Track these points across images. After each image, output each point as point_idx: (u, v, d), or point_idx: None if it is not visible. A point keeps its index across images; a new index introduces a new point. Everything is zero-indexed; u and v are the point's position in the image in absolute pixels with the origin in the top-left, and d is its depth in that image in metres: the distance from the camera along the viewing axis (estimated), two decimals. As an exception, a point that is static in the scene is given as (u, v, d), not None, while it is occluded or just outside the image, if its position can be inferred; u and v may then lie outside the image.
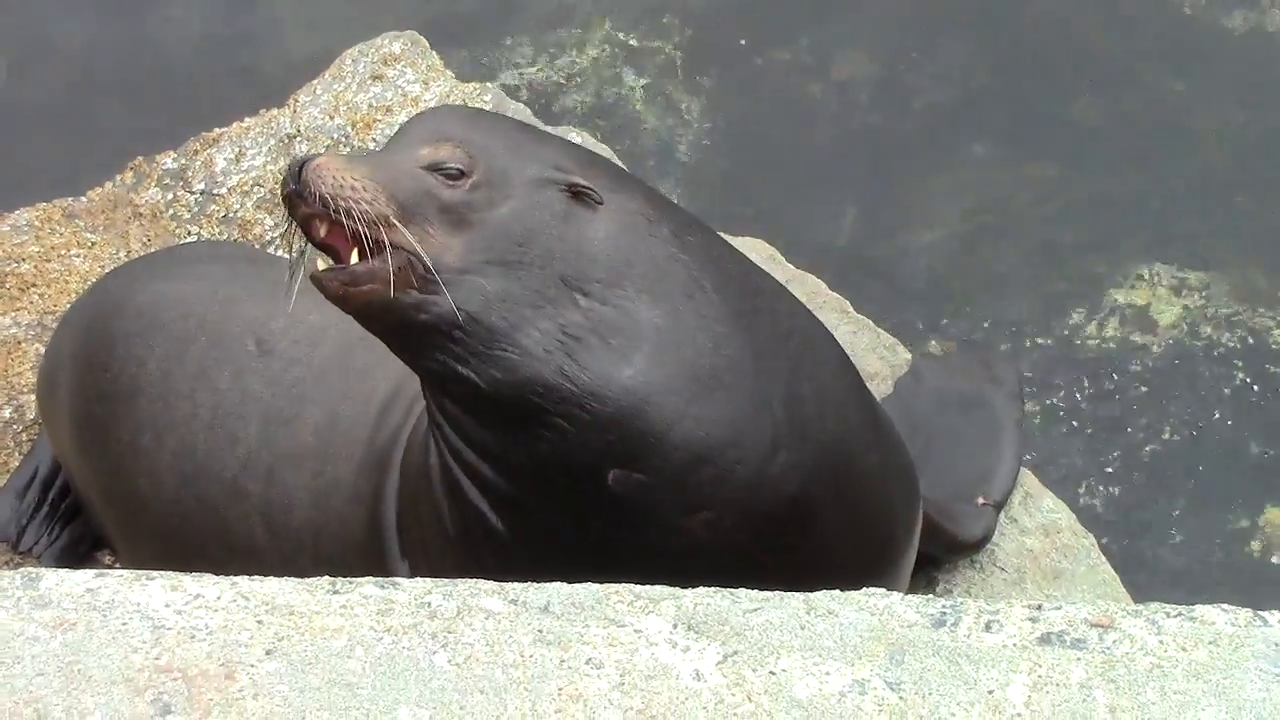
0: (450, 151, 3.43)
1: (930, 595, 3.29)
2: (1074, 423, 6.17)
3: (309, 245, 3.42)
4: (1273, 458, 6.06)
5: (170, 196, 5.61)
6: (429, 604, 2.94)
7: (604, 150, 5.45)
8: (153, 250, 5.34)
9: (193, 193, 5.60)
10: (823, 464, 3.55)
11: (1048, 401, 6.22)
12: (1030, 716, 2.77)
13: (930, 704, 2.78)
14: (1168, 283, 6.50)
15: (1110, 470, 6.05)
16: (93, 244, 5.47)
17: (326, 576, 3.01)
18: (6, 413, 5.07)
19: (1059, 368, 6.31)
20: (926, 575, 4.47)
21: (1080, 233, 6.70)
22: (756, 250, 5.19)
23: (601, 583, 3.01)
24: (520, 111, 5.62)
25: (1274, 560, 5.89)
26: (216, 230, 5.48)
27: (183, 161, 5.69)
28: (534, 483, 3.46)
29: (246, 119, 5.79)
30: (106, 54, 7.35)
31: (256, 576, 3.01)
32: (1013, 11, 7.30)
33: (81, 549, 4.89)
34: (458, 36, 7.19)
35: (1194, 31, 7.23)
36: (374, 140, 5.54)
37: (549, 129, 5.43)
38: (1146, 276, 6.52)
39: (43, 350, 5.04)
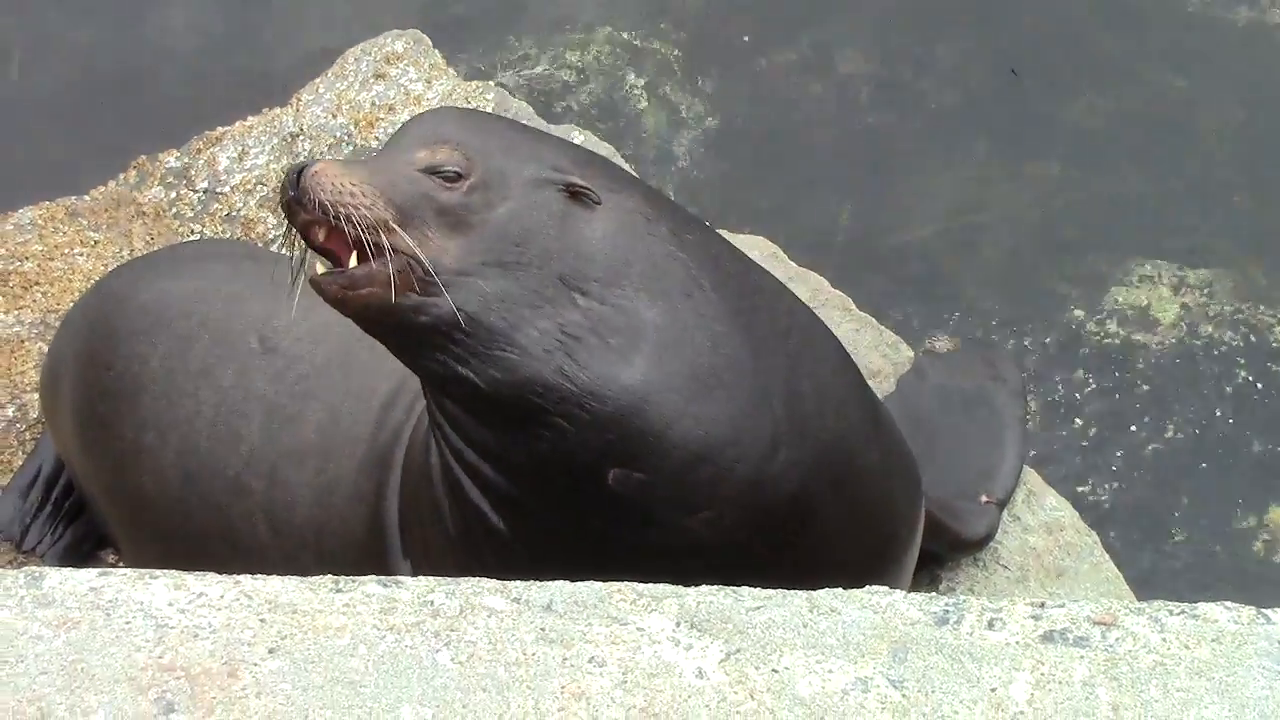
0: (447, 154, 3.43)
1: (933, 593, 3.29)
2: (1076, 421, 6.17)
3: (308, 249, 3.42)
4: (1276, 456, 6.06)
5: (173, 195, 5.61)
6: (432, 602, 2.94)
7: (606, 149, 5.45)
8: (156, 249, 5.35)
9: (196, 191, 5.61)
10: (823, 461, 3.55)
11: (1050, 399, 6.21)
12: (1033, 714, 2.77)
13: (933, 702, 2.78)
14: (1169, 281, 6.49)
15: (1113, 468, 6.05)
16: (96, 242, 5.48)
17: (329, 575, 3.02)
18: (10, 411, 5.08)
19: (1061, 365, 6.31)
20: (929, 573, 4.47)
21: (1082, 231, 6.70)
22: (759, 248, 5.19)
23: (603, 581, 3.01)
24: (522, 110, 5.62)
25: (1277, 559, 5.89)
26: (219, 229, 5.49)
27: (186, 160, 5.70)
28: (534, 482, 3.46)
29: (249, 118, 5.80)
30: (109, 53, 7.35)
31: (259, 575, 3.01)
32: (1013, 10, 7.29)
33: (85, 548, 4.89)
34: (460, 35, 7.19)
35: (1195, 29, 7.23)
36: (376, 139, 5.54)
37: (551, 128, 5.45)
38: (1149, 275, 6.52)
39: (46, 349, 5.04)
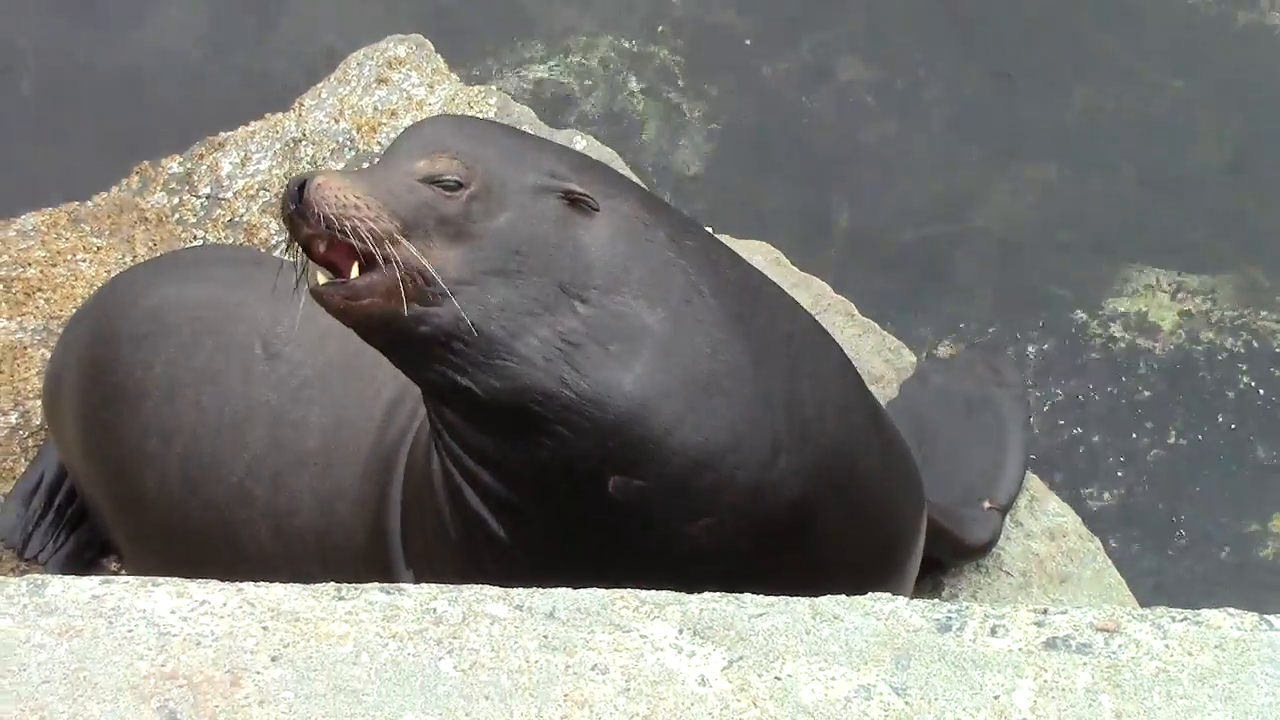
0: (447, 163, 3.43)
1: (936, 600, 3.28)
2: (1079, 427, 6.17)
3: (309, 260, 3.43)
4: (1278, 462, 6.06)
5: (176, 201, 5.62)
6: (434, 610, 2.94)
7: (608, 154, 5.45)
8: (158, 254, 5.35)
9: (198, 197, 5.61)
10: (824, 467, 3.55)
11: (1053, 405, 6.21)
12: (1036, 722, 2.77)
13: (936, 709, 2.78)
14: (1172, 286, 6.50)
15: (1117, 474, 6.05)
16: (98, 248, 5.48)
17: (332, 583, 3.01)
18: (13, 418, 5.08)
19: (1064, 371, 6.31)
20: (932, 579, 4.47)
21: (1084, 235, 6.70)
22: (761, 254, 5.19)
23: (604, 588, 3.01)
24: (524, 115, 5.62)
25: (1281, 565, 5.90)
26: (222, 234, 5.49)
27: (188, 166, 5.70)
28: (534, 489, 3.46)
29: (252, 123, 5.80)
30: (111, 59, 7.35)
31: (262, 583, 3.01)
32: (1012, 14, 7.29)
33: (87, 555, 4.89)
34: (463, 40, 7.19)
35: (1193, 31, 7.22)
36: (379, 144, 5.54)
37: (553, 133, 5.45)
38: (1151, 280, 6.52)
39: (49, 355, 5.04)
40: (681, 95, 7.16)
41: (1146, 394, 6.23)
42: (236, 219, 5.52)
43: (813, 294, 5.07)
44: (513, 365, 3.35)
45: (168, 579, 3.00)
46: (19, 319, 5.26)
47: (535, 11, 7.46)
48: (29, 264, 5.42)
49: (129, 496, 4.50)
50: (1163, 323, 6.38)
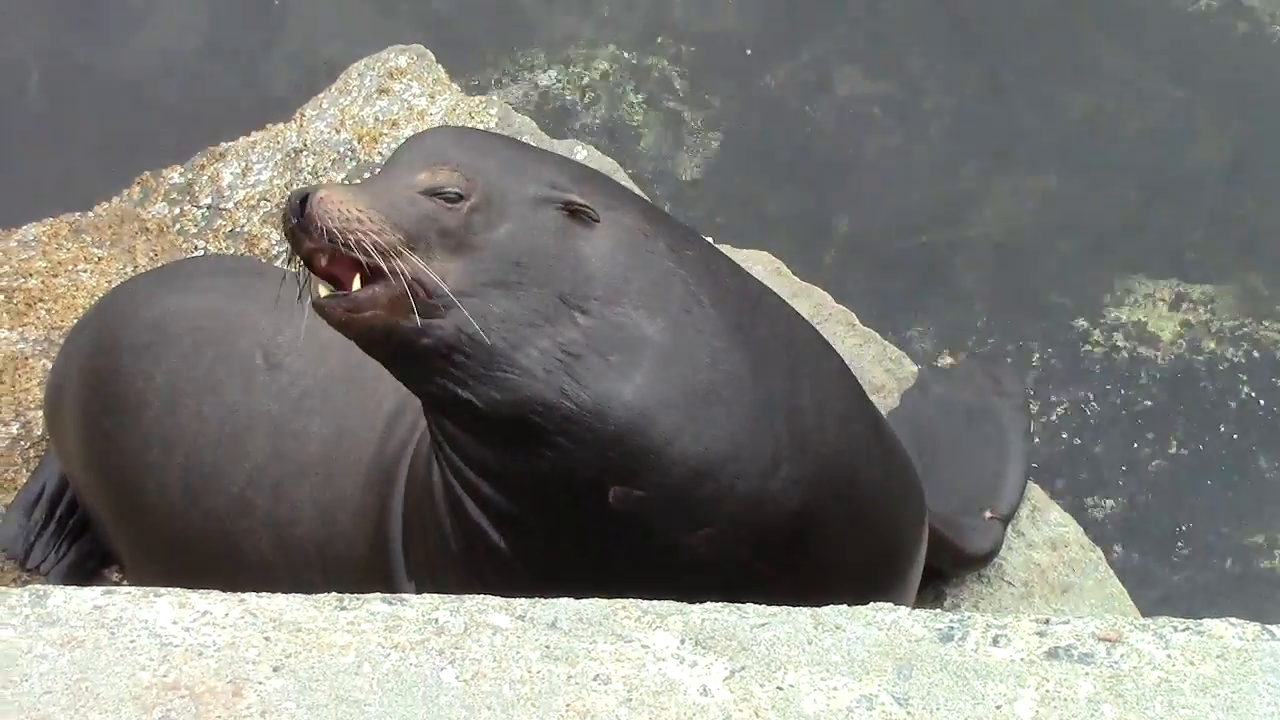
0: (448, 175, 3.43)
1: (937, 610, 3.29)
2: (1080, 437, 6.17)
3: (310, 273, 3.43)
4: (1280, 472, 6.07)
5: (177, 211, 5.62)
6: (436, 620, 2.94)
7: (609, 164, 5.45)
8: (160, 265, 5.35)
9: (199, 207, 5.61)
10: (825, 477, 3.55)
11: (1054, 415, 6.21)
12: (1038, 732, 2.77)
13: (938, 719, 2.78)
14: (1172, 296, 6.50)
15: (1119, 483, 6.05)
16: (100, 259, 5.48)
17: (334, 593, 3.02)
18: (14, 429, 5.08)
19: (1065, 380, 6.31)
20: (934, 589, 4.47)
21: (1085, 245, 6.70)
22: (762, 263, 5.19)
23: (605, 598, 3.01)
24: (525, 125, 5.62)
25: (1283, 576, 5.90)
26: (223, 245, 5.49)
27: (189, 176, 5.70)
28: (534, 500, 3.46)
29: (253, 133, 5.80)
30: (112, 69, 7.36)
31: (264, 593, 3.01)
32: (1012, 23, 7.30)
33: (89, 565, 4.89)
34: (464, 50, 7.20)
35: (1193, 37, 7.23)
36: (380, 154, 5.54)
37: (553, 143, 5.45)
38: (1152, 289, 6.52)
39: (50, 366, 5.04)
40: (682, 105, 7.17)
41: (1148, 404, 6.23)
42: (237, 229, 5.52)
43: (813, 303, 5.07)
44: (513, 377, 3.36)
45: (169, 589, 3.00)
46: (20, 329, 5.27)
47: (536, 21, 7.46)
48: (30, 274, 5.42)
49: (130, 507, 4.50)
50: (1163, 332, 6.38)
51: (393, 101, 5.71)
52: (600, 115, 7.14)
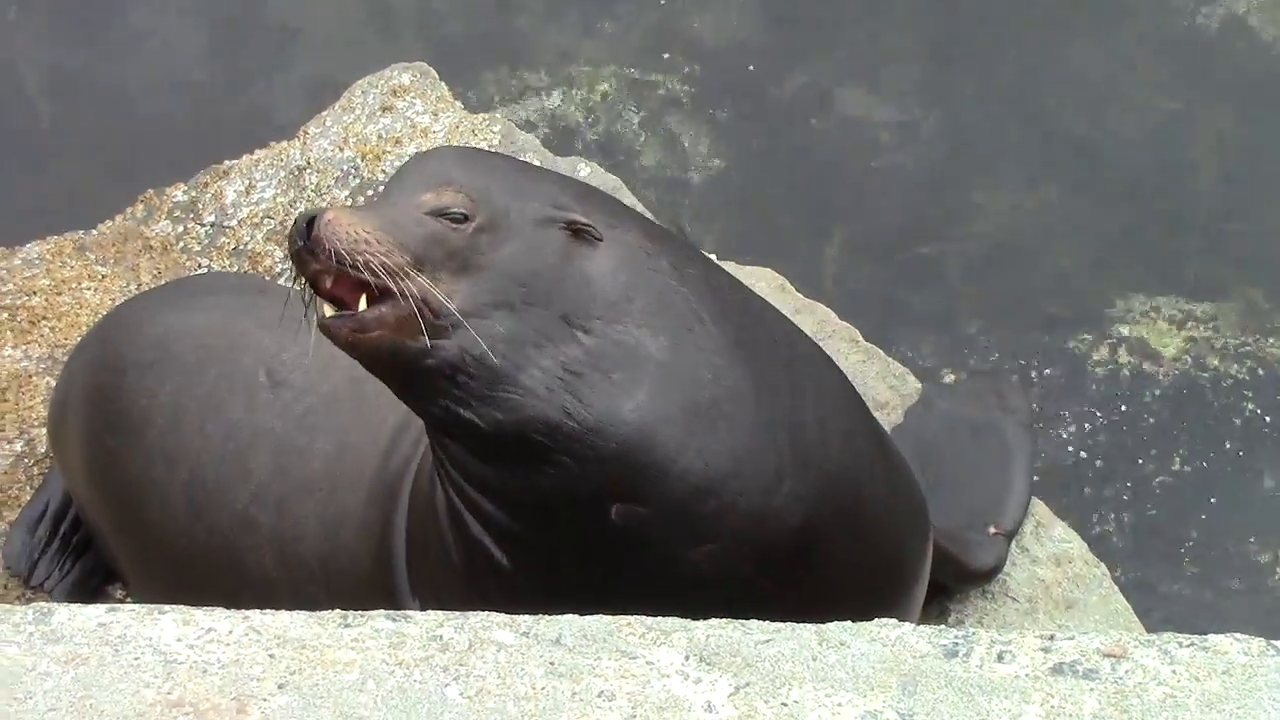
0: (453, 196, 3.44)
1: (942, 625, 3.28)
2: (1084, 453, 6.16)
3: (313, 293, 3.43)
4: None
5: (180, 229, 5.62)
6: (440, 637, 2.94)
7: (613, 181, 5.45)
8: (163, 283, 5.35)
9: (203, 225, 5.61)
10: (828, 493, 3.55)
11: (1058, 431, 6.21)
12: (1043, 747, 2.77)
13: (943, 735, 2.78)
14: (1176, 312, 6.49)
15: (1124, 498, 6.04)
16: (103, 277, 5.48)
17: (338, 609, 3.01)
18: (18, 446, 5.08)
19: (1070, 396, 6.31)
20: (938, 605, 4.46)
21: (1087, 262, 6.70)
22: (766, 280, 5.19)
23: (609, 615, 3.01)
24: (529, 143, 5.62)
25: (1288, 592, 5.89)
26: (227, 262, 5.49)
27: (193, 194, 5.70)
28: (536, 517, 3.46)
29: (256, 151, 5.80)
30: (114, 87, 7.37)
31: (268, 610, 3.00)
32: (1012, 41, 7.30)
33: (93, 583, 4.89)
34: (467, 68, 7.21)
35: (1195, 52, 7.23)
36: (383, 171, 5.54)
37: (558, 160, 5.46)
38: (1156, 306, 6.52)
39: (54, 383, 5.04)
40: (684, 122, 7.17)
41: (1152, 420, 6.23)
42: (241, 247, 5.52)
43: (816, 320, 5.07)
44: (516, 397, 3.36)
45: (174, 607, 3.00)
46: (24, 347, 5.27)
47: (539, 39, 7.47)
48: (34, 292, 5.42)
49: (134, 524, 4.51)
50: (1167, 349, 6.38)
51: (396, 119, 5.72)
52: (603, 132, 7.15)
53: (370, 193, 5.49)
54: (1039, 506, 4.69)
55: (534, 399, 3.36)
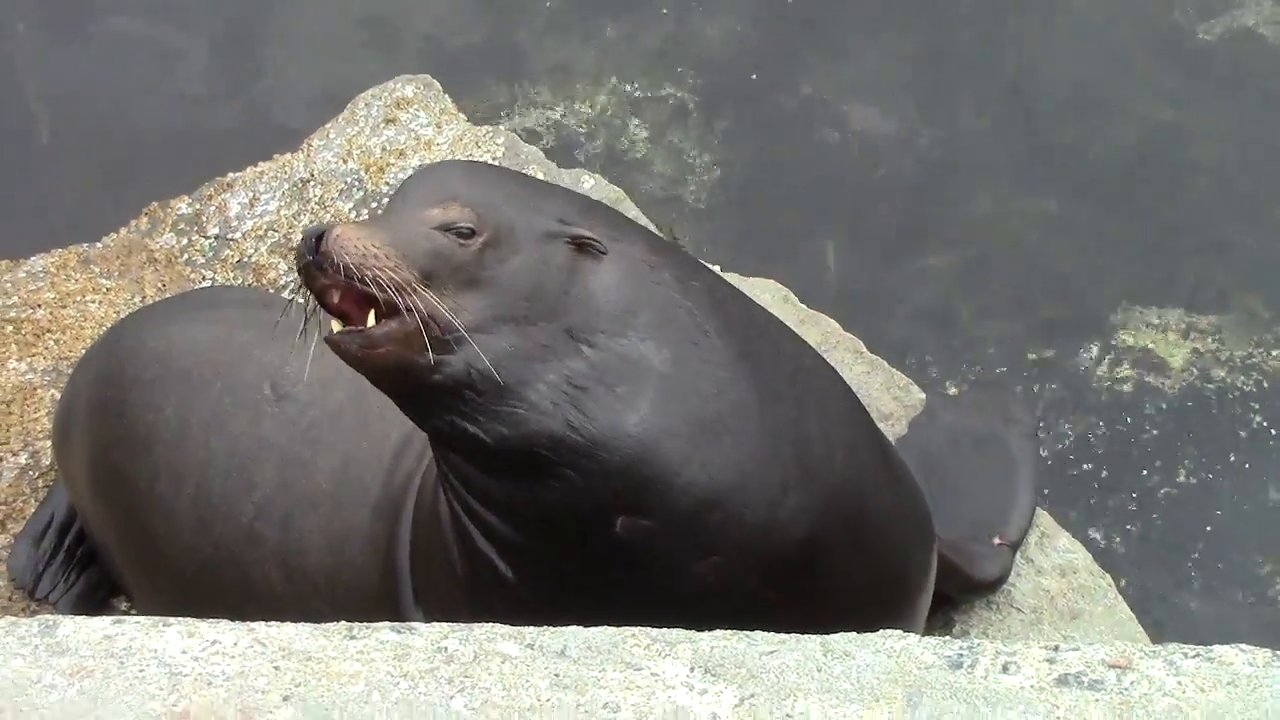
0: (459, 211, 3.44)
1: (947, 637, 3.28)
2: (1088, 464, 6.16)
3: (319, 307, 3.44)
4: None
5: (185, 242, 5.62)
6: (445, 649, 2.94)
7: (616, 193, 5.46)
8: (167, 295, 5.35)
9: (207, 238, 5.61)
10: (832, 505, 3.55)
11: (1063, 442, 6.21)
12: (1049, 759, 2.76)
13: (948, 746, 2.78)
14: (1182, 324, 6.49)
15: (1127, 511, 6.04)
16: (108, 289, 5.49)
17: (343, 622, 3.01)
18: (22, 459, 5.08)
19: (1075, 407, 6.30)
20: (943, 616, 4.46)
21: (1092, 273, 6.70)
22: (770, 291, 5.19)
23: (614, 626, 3.01)
24: (532, 155, 5.62)
25: (1294, 604, 5.89)
26: (231, 275, 5.49)
27: (197, 206, 5.70)
28: (541, 530, 3.46)
29: (260, 163, 5.80)
30: (118, 100, 7.37)
31: (273, 622, 3.00)
32: (1014, 54, 7.30)
33: (98, 595, 4.89)
34: (470, 80, 7.21)
35: (1191, 62, 7.23)
36: (387, 184, 5.54)
37: (561, 172, 5.46)
38: (1161, 317, 6.51)
39: (58, 396, 5.04)
40: (687, 133, 7.17)
41: (1156, 432, 6.23)
42: (245, 259, 5.52)
43: (821, 331, 5.07)
44: (521, 412, 3.36)
45: (179, 619, 3.00)
46: (29, 360, 5.27)
47: (542, 51, 7.47)
48: (38, 305, 5.42)
49: (139, 538, 4.50)
50: (1173, 360, 6.37)
51: (400, 131, 5.72)
52: (606, 144, 7.15)
53: (374, 205, 5.49)
54: (1043, 517, 4.69)
55: (539, 414, 3.37)
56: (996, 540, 4.49)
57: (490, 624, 3.00)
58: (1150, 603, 5.71)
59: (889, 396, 4.95)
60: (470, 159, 5.50)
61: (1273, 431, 6.20)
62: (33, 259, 5.62)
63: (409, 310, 3.32)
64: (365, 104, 5.84)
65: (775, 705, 2.83)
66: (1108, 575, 4.63)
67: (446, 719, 2.81)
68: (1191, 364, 6.38)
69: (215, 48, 7.57)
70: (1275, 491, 6.06)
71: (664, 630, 2.98)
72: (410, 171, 5.48)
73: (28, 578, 4.89)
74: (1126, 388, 6.34)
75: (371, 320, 3.35)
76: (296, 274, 3.41)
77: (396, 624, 3.01)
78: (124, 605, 4.86)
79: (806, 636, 2.97)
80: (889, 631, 2.99)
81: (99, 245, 5.67)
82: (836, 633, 2.98)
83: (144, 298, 5.44)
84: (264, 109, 7.38)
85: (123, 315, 5.23)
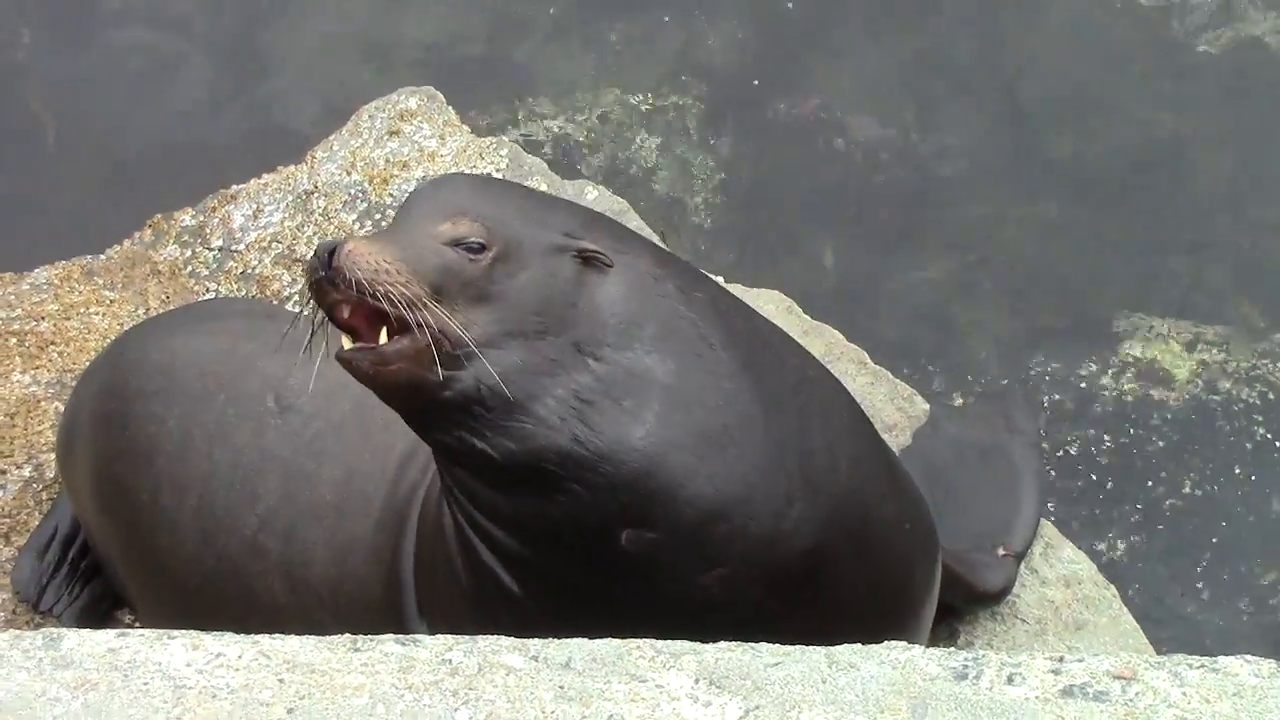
0: (469, 226, 3.44)
1: (952, 648, 3.28)
2: (1093, 475, 6.16)
3: (327, 322, 3.44)
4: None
5: (189, 253, 5.62)
6: (450, 661, 2.94)
7: (620, 204, 5.46)
8: (171, 307, 5.35)
9: (211, 249, 5.62)
10: (837, 516, 3.55)
11: (1067, 452, 6.20)
12: (1054, 770, 2.76)
13: (953, 758, 2.77)
14: (1187, 336, 6.49)
15: (1132, 520, 6.04)
16: (111, 301, 5.49)
17: (347, 634, 3.01)
18: (26, 471, 5.08)
19: (1078, 419, 6.30)
20: (947, 626, 4.46)
21: (1099, 284, 6.70)
22: (774, 302, 5.19)
23: (619, 638, 3.00)
24: (536, 166, 5.62)
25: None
26: (235, 287, 5.49)
27: (201, 218, 5.71)
28: (546, 543, 3.46)
29: (264, 175, 5.80)
30: (123, 112, 7.38)
31: (277, 635, 3.00)
32: (1016, 63, 7.30)
33: (102, 608, 4.89)
34: (474, 91, 7.21)
35: (1191, 66, 7.23)
36: (391, 195, 5.55)
37: (564, 183, 5.46)
38: (1166, 329, 6.51)
39: (62, 408, 5.04)
40: (691, 144, 7.18)
41: (1161, 444, 6.22)
42: (249, 271, 5.52)
43: (825, 342, 5.07)
44: (529, 427, 3.36)
45: (183, 631, 2.99)
46: (32, 372, 5.27)
47: (546, 63, 7.48)
48: (42, 317, 5.43)
49: (142, 550, 4.50)
50: (1178, 372, 6.37)
51: (403, 143, 5.72)
52: (610, 155, 7.15)
53: (378, 217, 5.49)
54: (1048, 528, 4.69)
55: (546, 428, 3.37)
56: (1001, 551, 4.48)
57: (495, 636, 3.00)
58: (1155, 613, 5.70)
59: (893, 407, 4.95)
60: (475, 172, 5.50)
61: (1277, 444, 6.19)
62: (37, 271, 5.62)
63: (420, 326, 3.32)
64: (369, 116, 5.84)
65: (780, 717, 2.83)
66: (1112, 586, 4.62)
67: (451, 731, 2.81)
68: (1198, 375, 6.37)
69: (219, 60, 7.58)
70: (1279, 504, 6.06)
71: (668, 642, 2.98)
72: (414, 183, 5.49)
73: (32, 591, 4.89)
74: (1132, 399, 6.34)
75: (384, 337, 3.35)
76: (306, 288, 3.41)
77: (401, 636, 3.01)
78: (128, 618, 4.86)
79: (811, 648, 2.96)
80: (894, 643, 2.98)
81: (103, 257, 5.67)
82: (841, 644, 2.98)
83: (148, 309, 5.44)
84: (267, 121, 7.39)
85: (126, 327, 5.23)
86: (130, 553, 4.57)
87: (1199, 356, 6.41)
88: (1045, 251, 6.81)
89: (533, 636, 3.01)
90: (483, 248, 3.42)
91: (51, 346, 5.34)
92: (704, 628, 3.15)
